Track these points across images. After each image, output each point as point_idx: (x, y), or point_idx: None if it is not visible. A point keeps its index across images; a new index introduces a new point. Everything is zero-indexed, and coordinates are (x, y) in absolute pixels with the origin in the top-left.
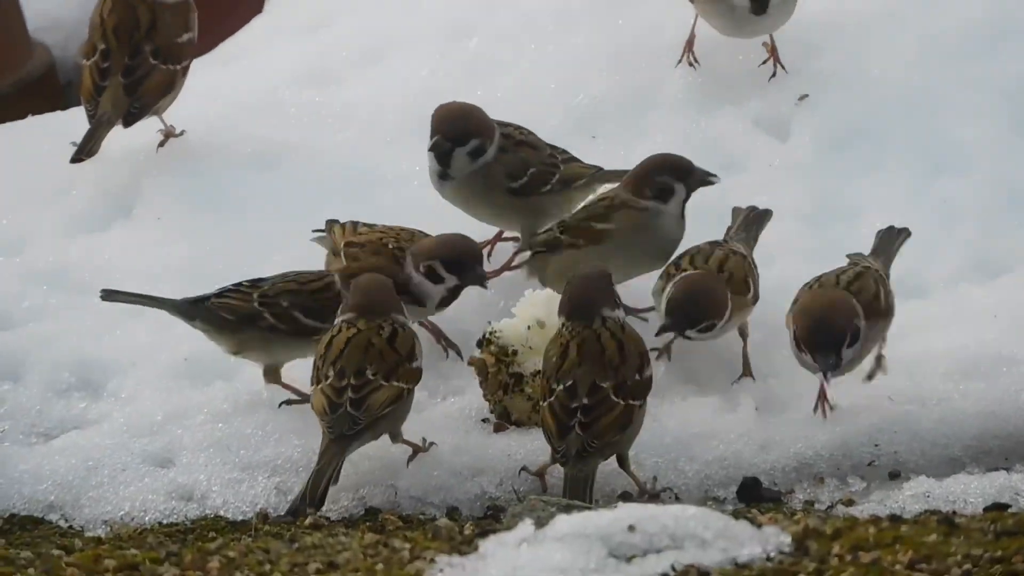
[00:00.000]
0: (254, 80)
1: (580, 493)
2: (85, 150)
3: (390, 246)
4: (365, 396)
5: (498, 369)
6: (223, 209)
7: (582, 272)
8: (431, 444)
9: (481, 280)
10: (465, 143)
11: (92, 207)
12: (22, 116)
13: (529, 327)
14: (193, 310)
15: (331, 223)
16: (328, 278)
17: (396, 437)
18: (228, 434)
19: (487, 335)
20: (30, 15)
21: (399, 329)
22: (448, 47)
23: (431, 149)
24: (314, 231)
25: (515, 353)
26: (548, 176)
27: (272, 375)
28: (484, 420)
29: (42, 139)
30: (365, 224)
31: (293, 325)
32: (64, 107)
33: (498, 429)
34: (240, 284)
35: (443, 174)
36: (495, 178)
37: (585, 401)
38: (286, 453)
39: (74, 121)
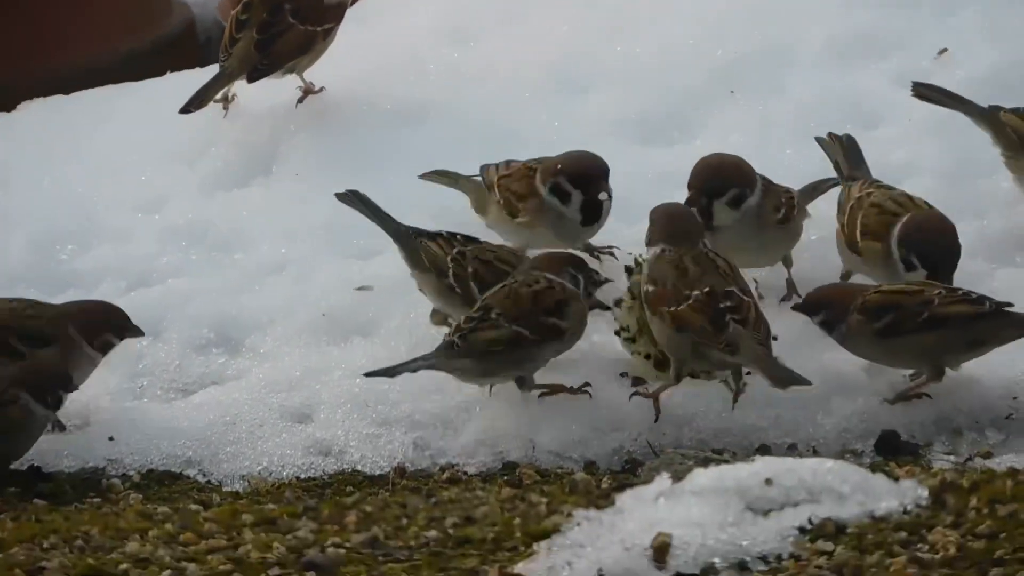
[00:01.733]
0: (393, 38)
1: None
2: (196, 101)
3: (534, 168)
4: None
5: None
6: (362, 167)
7: (673, 204)
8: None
9: (606, 194)
10: (723, 195)
11: (231, 164)
12: (161, 73)
13: None
14: (408, 240)
15: (485, 167)
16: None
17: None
18: (366, 390)
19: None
20: None
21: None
22: (587, 5)
23: (687, 203)
24: (422, 175)
25: None
26: (791, 202)
27: (438, 317)
28: (623, 375)
29: (181, 96)
30: (515, 161)
31: (465, 289)
32: (203, 64)
33: (636, 383)
34: (455, 235)
35: (707, 226)
36: (765, 217)
37: (728, 303)
38: (424, 407)
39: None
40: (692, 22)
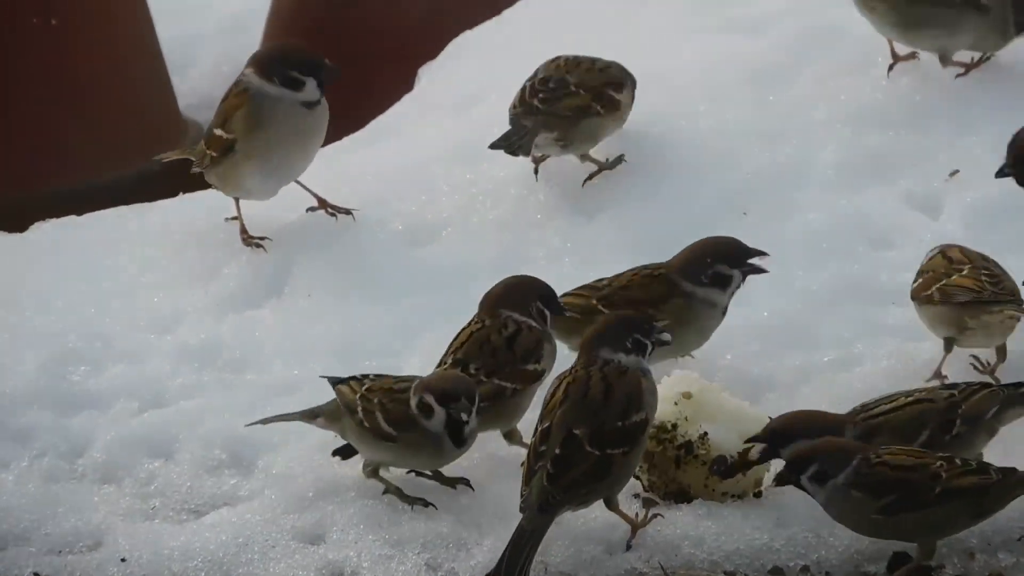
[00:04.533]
0: (405, 157)
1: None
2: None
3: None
4: None
5: (663, 448)
6: (374, 286)
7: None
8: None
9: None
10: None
11: (243, 285)
12: (174, 194)
13: (676, 403)
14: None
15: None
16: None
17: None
18: (379, 510)
19: None
20: (181, 93)
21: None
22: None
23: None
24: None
25: (675, 427)
26: None
27: (369, 471)
28: (635, 495)
29: (193, 217)
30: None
31: (374, 424)
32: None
33: (647, 505)
34: (367, 375)
35: None
36: None
37: (557, 451)
38: (437, 528)
39: (226, 198)
40: (705, 143)
